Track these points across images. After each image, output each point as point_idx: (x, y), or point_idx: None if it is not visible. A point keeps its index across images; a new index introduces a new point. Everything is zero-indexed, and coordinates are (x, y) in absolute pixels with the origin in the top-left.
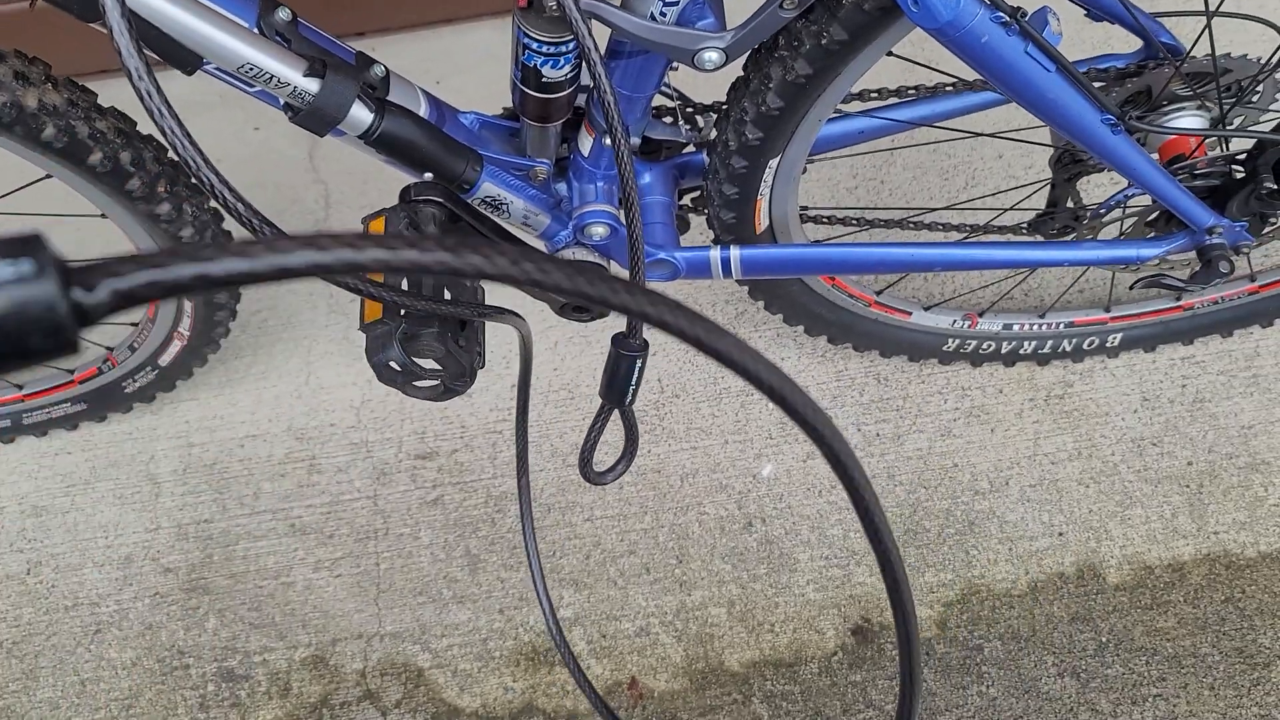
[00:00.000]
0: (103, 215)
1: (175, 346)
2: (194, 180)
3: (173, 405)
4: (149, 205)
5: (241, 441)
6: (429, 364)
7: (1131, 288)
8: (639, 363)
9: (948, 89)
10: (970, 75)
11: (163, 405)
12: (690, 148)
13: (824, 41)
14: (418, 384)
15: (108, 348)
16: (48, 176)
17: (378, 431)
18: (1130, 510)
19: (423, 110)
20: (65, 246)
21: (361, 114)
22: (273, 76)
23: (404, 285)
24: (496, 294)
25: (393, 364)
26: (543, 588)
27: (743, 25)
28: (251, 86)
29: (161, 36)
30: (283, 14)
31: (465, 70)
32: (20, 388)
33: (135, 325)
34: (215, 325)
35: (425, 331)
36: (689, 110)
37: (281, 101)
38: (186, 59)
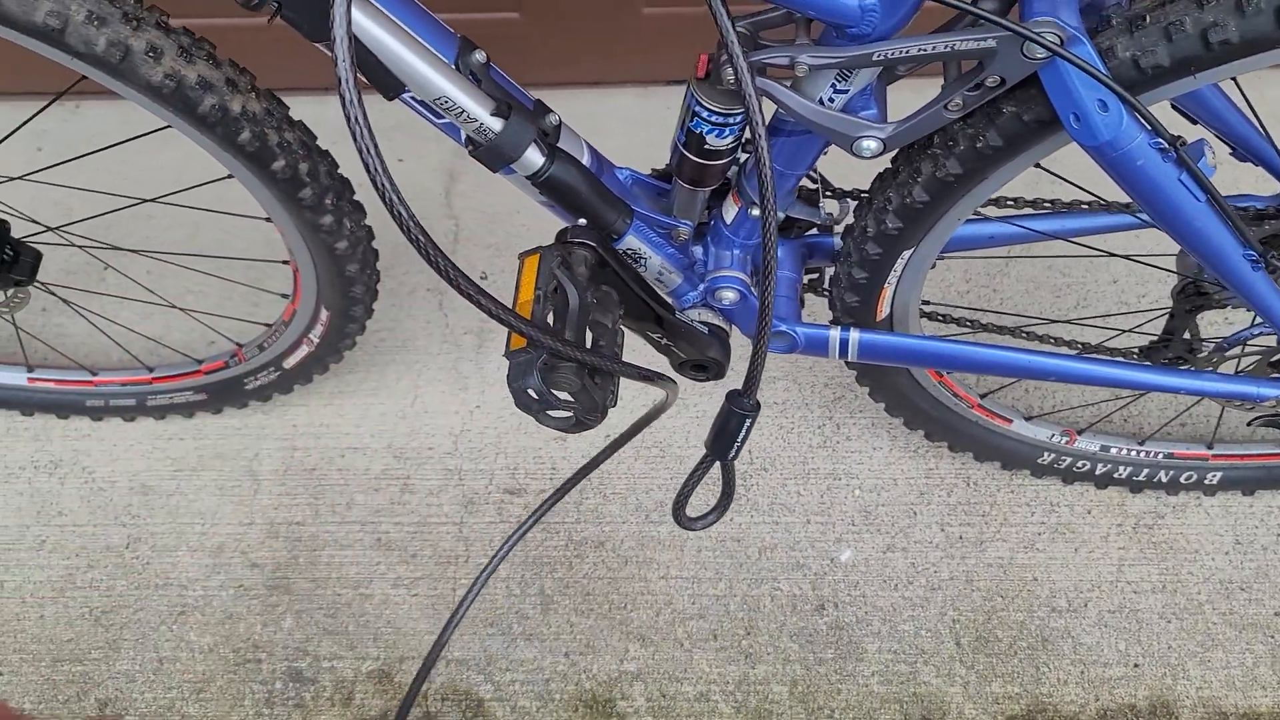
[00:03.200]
0: (268, 219)
1: (302, 351)
2: (383, 199)
3: (283, 407)
4: (315, 215)
5: (343, 452)
6: (564, 396)
7: (1250, 424)
8: (749, 422)
9: (1084, 206)
10: (1107, 194)
11: (274, 406)
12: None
13: (979, 145)
14: (552, 414)
15: (238, 343)
16: (229, 176)
17: (472, 461)
18: (1211, 652)
19: (585, 159)
20: (223, 244)
21: (534, 156)
22: (464, 111)
23: (550, 319)
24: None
25: (531, 392)
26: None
27: (905, 120)
28: (440, 118)
29: (374, 63)
30: (479, 56)
31: (604, 132)
32: (150, 370)
33: (269, 326)
34: (344, 337)
35: (564, 365)
36: (828, 193)
37: (464, 135)
38: (391, 85)
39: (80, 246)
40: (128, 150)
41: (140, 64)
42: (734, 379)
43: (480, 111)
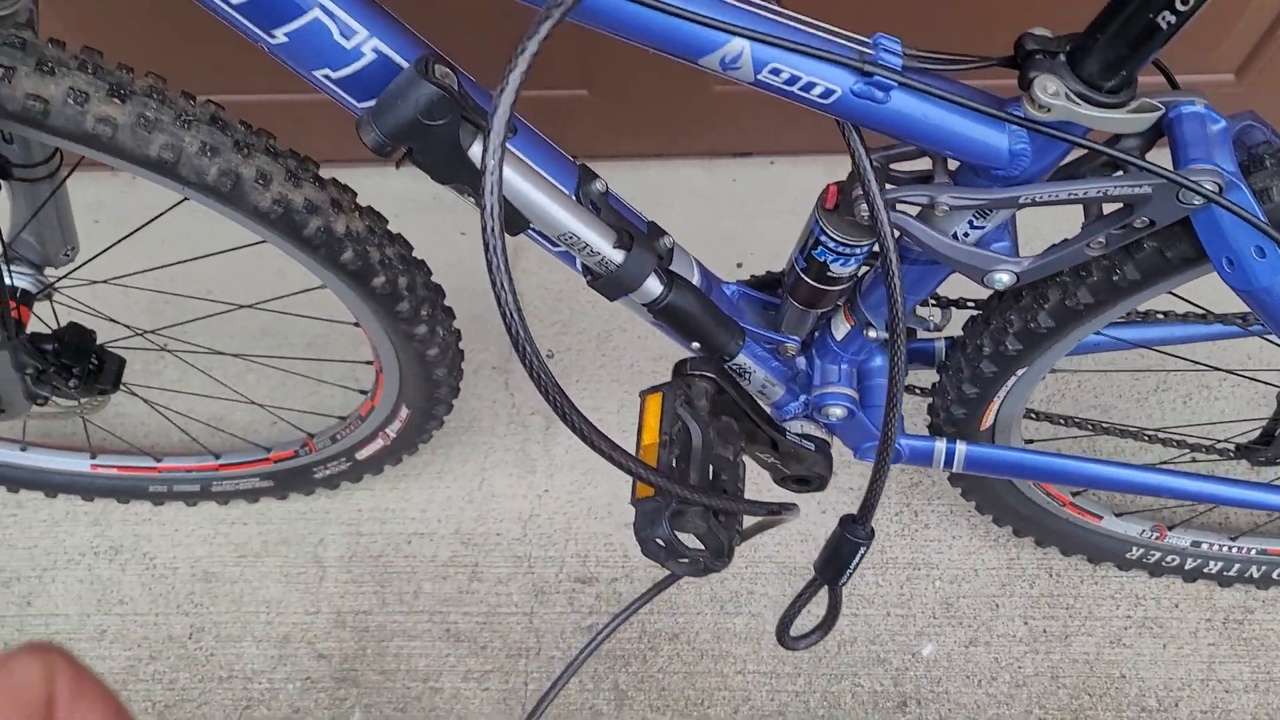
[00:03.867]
0: (356, 324)
1: (377, 445)
2: (510, 333)
3: (347, 491)
4: (409, 326)
5: (409, 538)
6: (692, 540)
7: None
8: (862, 550)
9: (1198, 318)
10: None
11: (339, 490)
12: (921, 335)
13: (1114, 278)
14: (679, 559)
15: (309, 434)
16: (322, 286)
17: (542, 548)
18: None
19: (695, 279)
20: (304, 339)
21: (653, 285)
22: (587, 246)
23: (672, 462)
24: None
25: (659, 540)
26: None
27: (1043, 255)
28: (556, 247)
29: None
30: (599, 185)
31: (668, 205)
32: (217, 457)
33: (343, 419)
34: (423, 432)
35: (691, 509)
36: (931, 301)
37: (579, 264)
38: (518, 224)
39: (173, 352)
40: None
41: (249, 191)
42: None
43: (604, 245)
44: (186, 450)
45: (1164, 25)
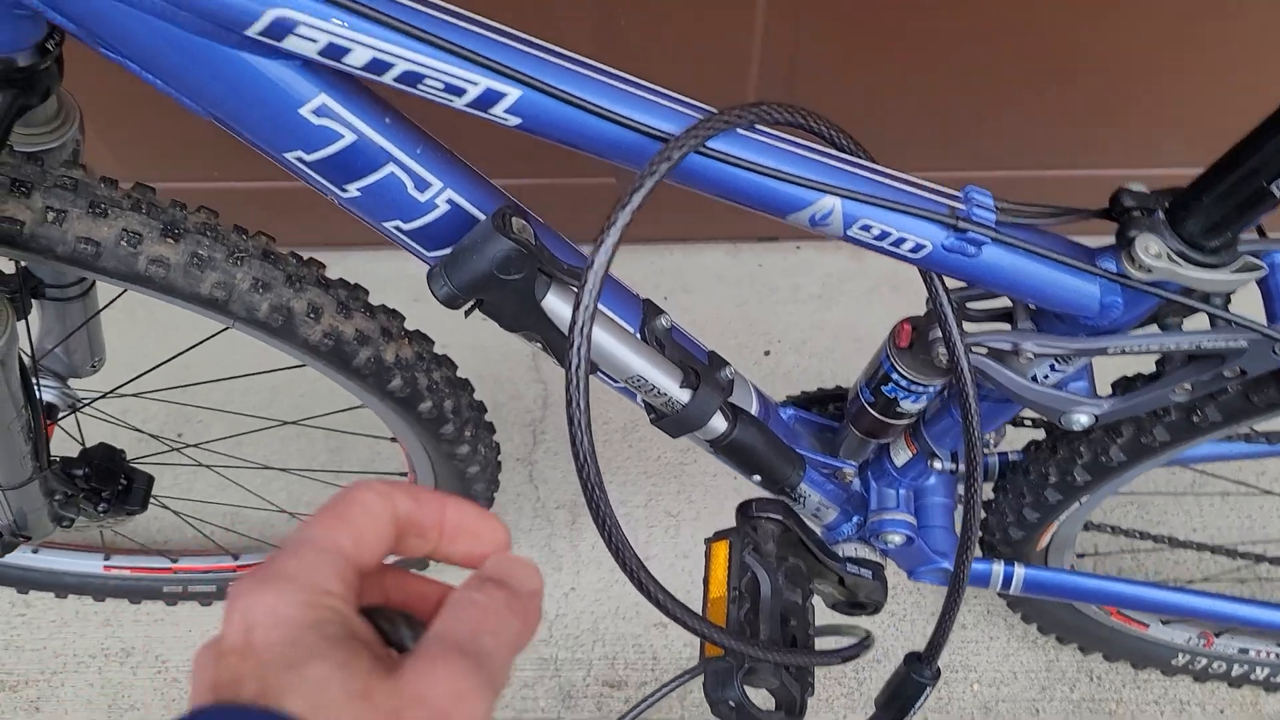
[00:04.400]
0: (393, 439)
1: None
2: (601, 534)
3: None
4: (452, 446)
5: None
6: (761, 694)
7: None
8: (928, 690)
9: (1262, 438)
10: None
11: None
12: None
13: (1195, 419)
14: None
15: None
16: (361, 406)
17: (568, 649)
18: None
19: (754, 407)
20: (338, 452)
21: (718, 423)
22: (654, 387)
23: (742, 618)
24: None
25: (730, 702)
26: None
27: (1125, 398)
28: (617, 383)
29: (559, 338)
30: (664, 322)
31: (692, 290)
32: (235, 558)
33: None
34: None
35: (763, 665)
36: None
37: (640, 399)
38: (591, 366)
39: (211, 467)
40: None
41: (300, 325)
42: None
43: (670, 385)
44: (203, 550)
45: (1278, 193)
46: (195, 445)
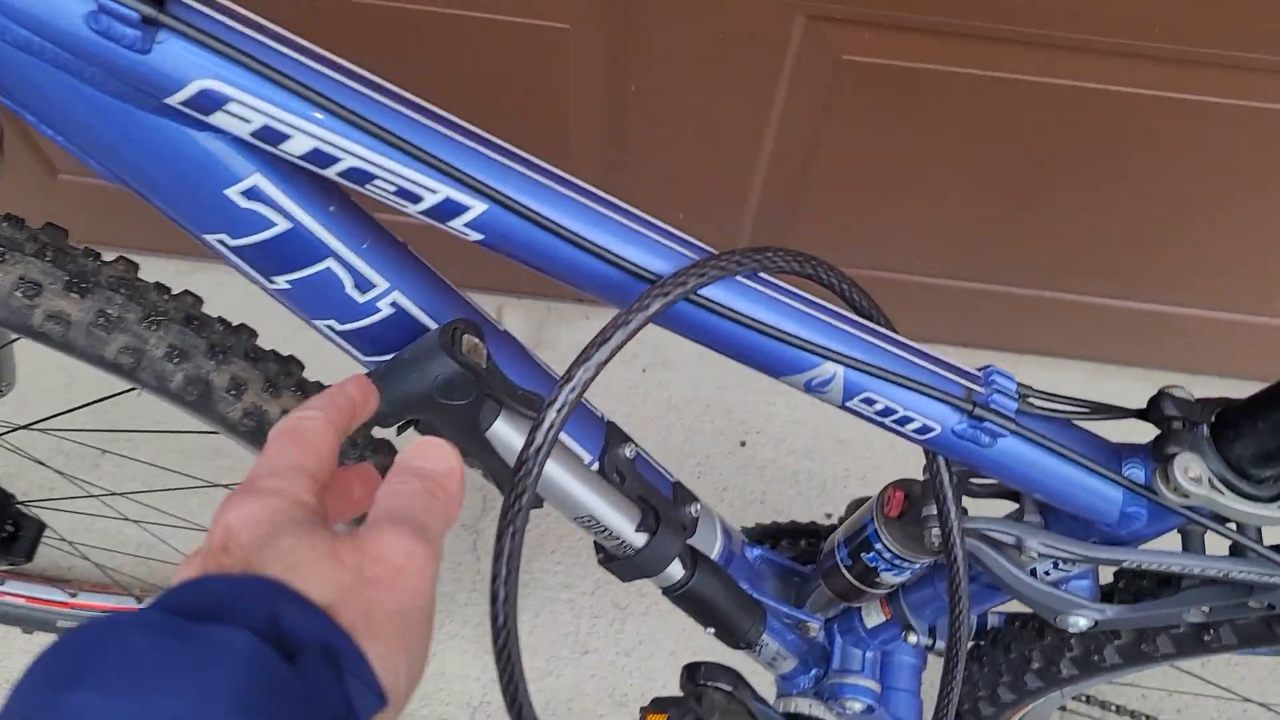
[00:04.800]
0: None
1: None
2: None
3: None
4: None
5: None
6: None
7: None
8: None
9: None
10: None
11: None
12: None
13: (1205, 638)
14: None
15: None
16: None
17: None
18: None
19: (717, 547)
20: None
21: (674, 570)
22: (607, 529)
23: None
24: None
25: None
26: None
27: (1133, 608)
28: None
29: (503, 468)
30: (627, 451)
31: (669, 366)
32: (139, 600)
33: None
34: None
35: None
36: None
37: (593, 539)
38: (534, 501)
39: (136, 521)
40: None
41: (218, 400)
42: None
43: (625, 528)
44: (105, 588)
45: None
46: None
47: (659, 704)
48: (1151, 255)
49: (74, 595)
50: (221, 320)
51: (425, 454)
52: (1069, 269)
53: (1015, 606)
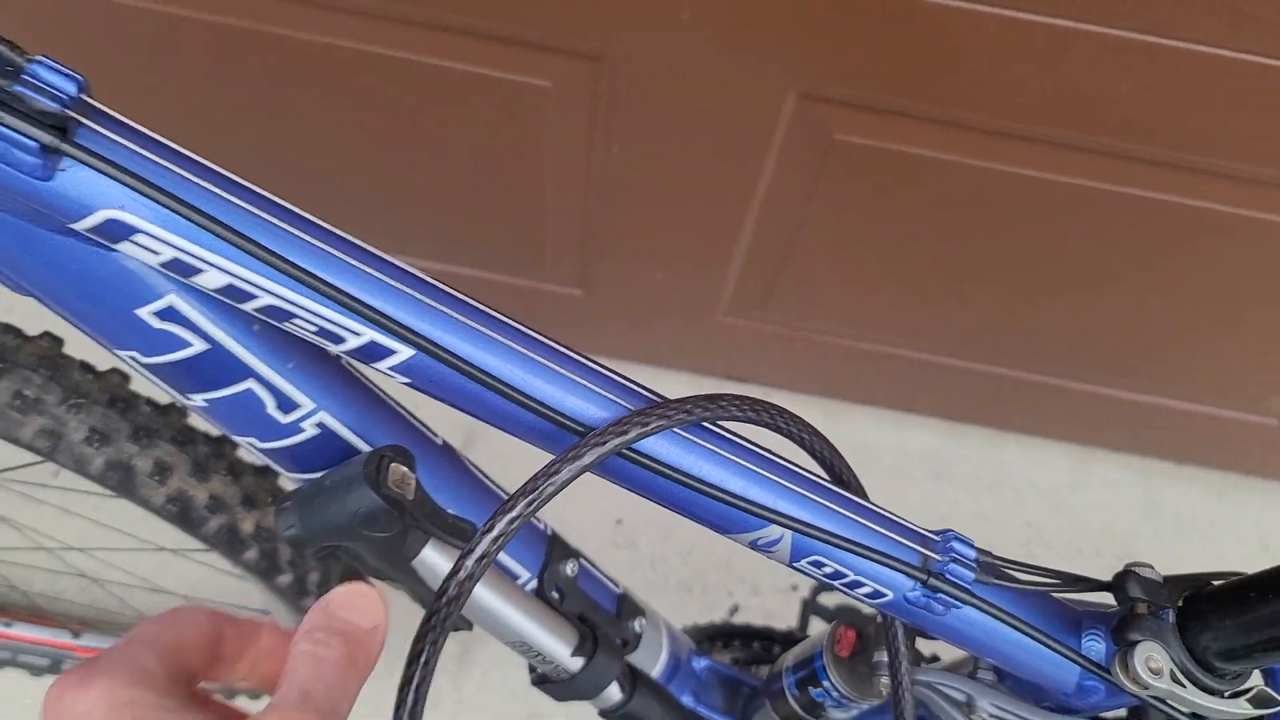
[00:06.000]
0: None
1: None
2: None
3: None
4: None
5: None
6: None
7: None
8: None
9: None
10: None
11: None
12: None
13: None
14: None
15: None
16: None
17: None
18: None
19: (661, 661)
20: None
21: (612, 692)
22: (540, 654)
23: None
24: None
25: None
26: None
27: None
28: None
29: (429, 593)
30: (569, 568)
31: None
32: (76, 636)
33: None
34: None
35: None
36: None
37: (527, 661)
38: (460, 623)
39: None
40: None
41: (140, 484)
42: None
43: (560, 652)
44: (44, 620)
45: None
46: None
47: None
48: (1144, 348)
49: (9, 626)
50: (149, 401)
51: (353, 604)
52: (1058, 355)
53: None
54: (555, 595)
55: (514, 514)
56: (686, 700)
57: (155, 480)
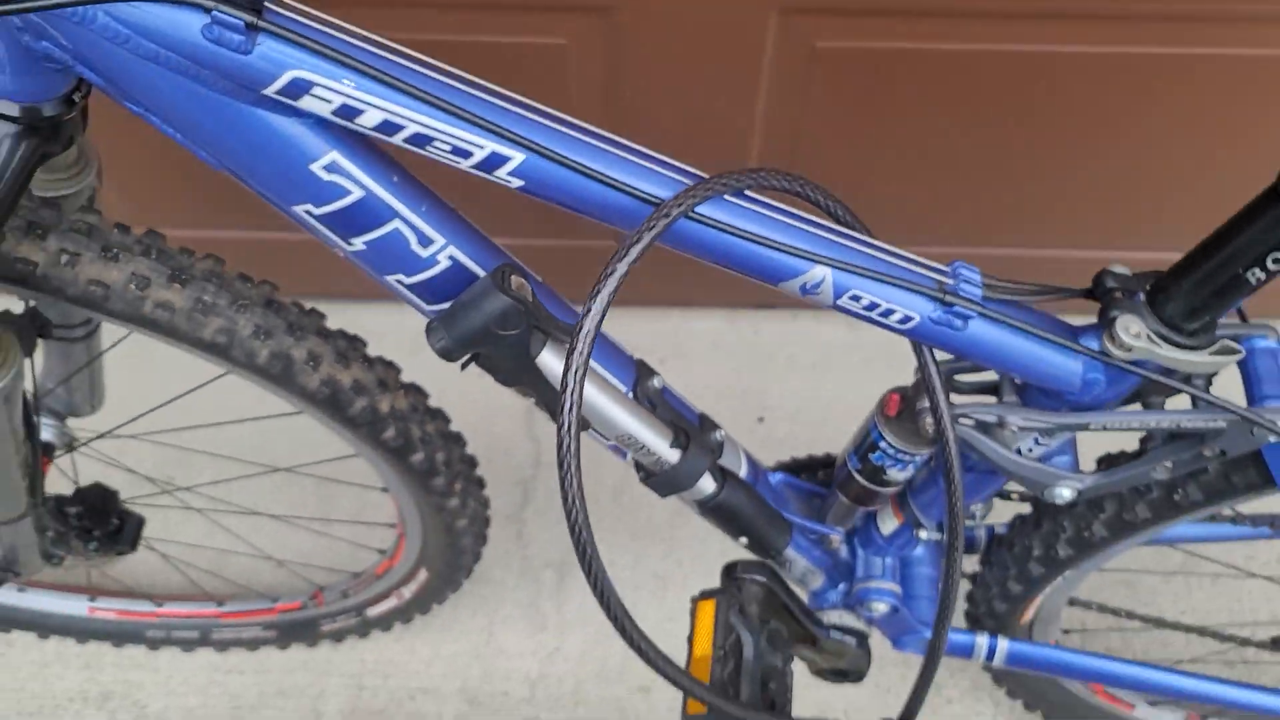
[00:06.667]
0: (384, 489)
1: (390, 604)
2: (577, 549)
3: (351, 642)
4: (442, 499)
5: (413, 694)
6: None
7: None
8: None
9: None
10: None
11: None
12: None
13: (1175, 497)
14: None
15: (319, 586)
16: (355, 455)
17: (550, 710)
18: None
19: (743, 471)
20: (327, 500)
21: (706, 485)
22: (644, 446)
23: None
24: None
25: None
26: None
27: (1107, 473)
28: (609, 441)
29: (553, 396)
30: (656, 382)
31: (688, 355)
32: (220, 604)
33: (356, 575)
34: (440, 595)
35: None
36: None
37: (630, 457)
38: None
39: (200, 510)
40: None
41: (298, 372)
42: None
43: (660, 445)
44: (188, 595)
45: (1253, 281)
46: (185, 489)
47: (707, 594)
48: (1117, 206)
49: (160, 605)
50: (296, 303)
51: None
52: (1042, 225)
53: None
54: (649, 405)
55: (616, 276)
56: (767, 497)
57: (310, 367)
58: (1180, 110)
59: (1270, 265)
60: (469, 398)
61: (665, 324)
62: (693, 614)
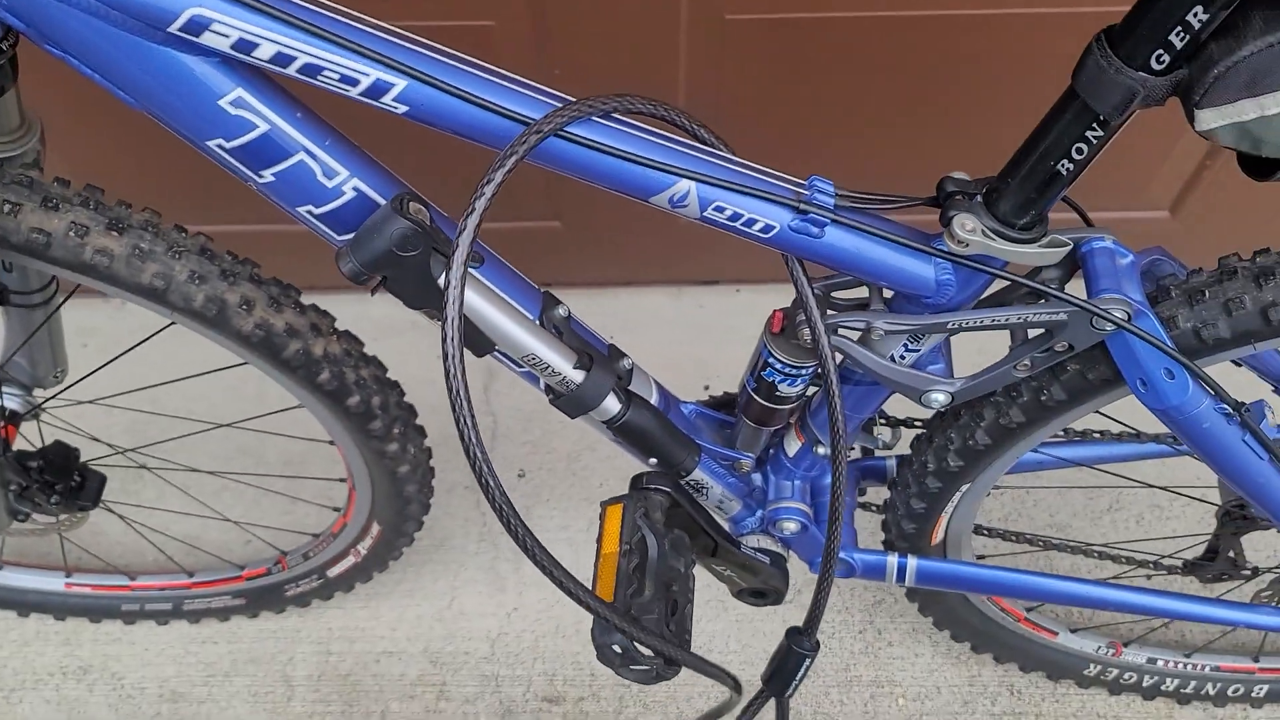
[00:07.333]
0: (331, 442)
1: (348, 562)
2: (463, 443)
3: (318, 609)
4: (382, 444)
5: (378, 656)
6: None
7: None
8: (808, 662)
9: (1131, 437)
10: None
11: (309, 608)
12: (876, 453)
13: (1042, 398)
14: (633, 667)
15: (282, 551)
16: (299, 406)
17: (509, 667)
18: None
19: (654, 398)
20: (278, 456)
21: (611, 404)
22: (549, 366)
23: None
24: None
25: (615, 647)
26: None
27: (974, 376)
28: (520, 368)
29: (469, 328)
30: (561, 311)
31: (635, 330)
32: (190, 575)
33: (315, 536)
34: (393, 549)
35: (646, 617)
36: (881, 420)
37: (542, 384)
38: (483, 345)
39: (151, 469)
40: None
41: (233, 316)
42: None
43: (564, 366)
44: (160, 569)
45: (1064, 172)
46: (137, 449)
47: (615, 499)
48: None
49: (133, 578)
50: (229, 252)
51: None
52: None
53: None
54: (554, 331)
55: (494, 184)
56: (680, 425)
57: (243, 310)
58: (1011, 55)
59: (1074, 155)
60: (426, 377)
61: (615, 302)
62: (602, 517)
